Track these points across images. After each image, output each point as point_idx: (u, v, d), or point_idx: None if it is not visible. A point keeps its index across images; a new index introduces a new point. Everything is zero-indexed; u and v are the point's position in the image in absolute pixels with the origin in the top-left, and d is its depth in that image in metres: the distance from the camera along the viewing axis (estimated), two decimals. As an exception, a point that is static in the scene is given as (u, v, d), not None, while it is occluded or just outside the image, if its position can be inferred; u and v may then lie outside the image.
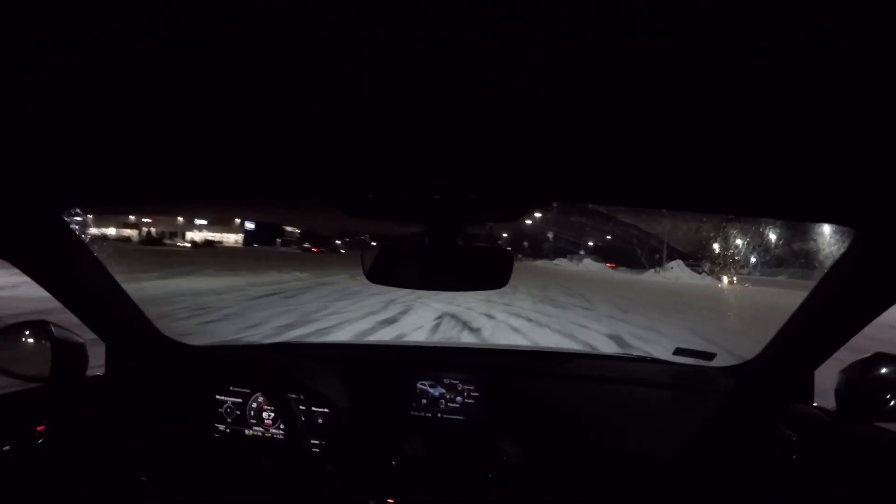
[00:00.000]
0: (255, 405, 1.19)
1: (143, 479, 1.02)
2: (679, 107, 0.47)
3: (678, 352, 1.43)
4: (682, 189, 0.79)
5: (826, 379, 1.07)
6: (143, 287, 9.14)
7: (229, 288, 11.51)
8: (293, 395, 1.16)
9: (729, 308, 14.06)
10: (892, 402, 0.94)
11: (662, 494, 1.12)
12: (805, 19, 0.31)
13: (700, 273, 32.50)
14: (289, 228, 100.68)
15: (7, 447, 0.93)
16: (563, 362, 1.37)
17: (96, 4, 0.33)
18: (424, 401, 1.24)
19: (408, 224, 0.91)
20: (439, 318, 7.89)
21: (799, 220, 0.91)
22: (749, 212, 0.90)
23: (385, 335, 6.49)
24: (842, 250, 0.88)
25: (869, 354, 0.95)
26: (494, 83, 0.44)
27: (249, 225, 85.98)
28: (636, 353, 1.59)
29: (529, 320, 8.31)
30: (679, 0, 0.30)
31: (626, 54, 0.38)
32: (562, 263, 53.39)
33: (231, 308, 8.22)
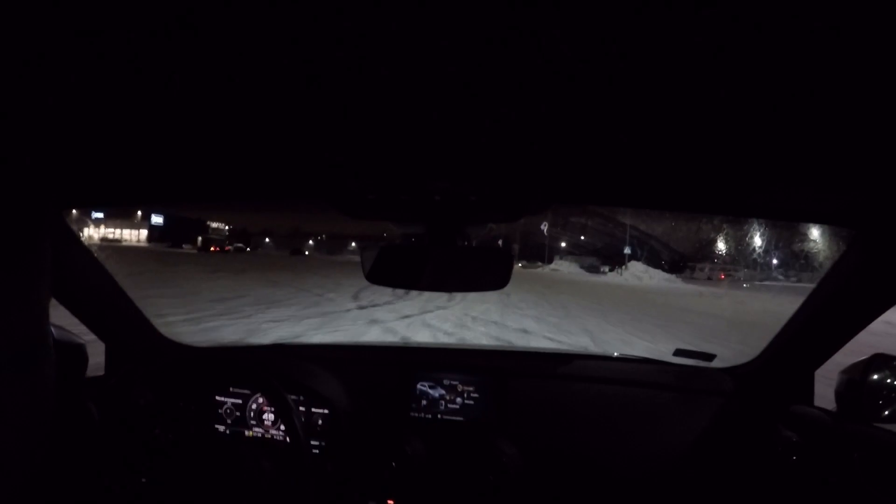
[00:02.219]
0: (255, 406, 1.19)
1: (143, 479, 1.02)
2: (680, 107, 0.48)
3: (678, 352, 1.43)
4: (682, 189, 0.79)
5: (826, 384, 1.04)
6: None
7: None
8: (293, 397, 1.16)
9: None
10: (892, 403, 0.94)
11: (663, 495, 1.12)
12: (806, 19, 0.31)
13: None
14: (215, 225, 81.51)
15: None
16: (563, 363, 1.37)
17: (96, 5, 0.33)
18: (424, 402, 1.24)
19: (408, 225, 0.91)
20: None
21: (799, 220, 0.91)
22: (749, 212, 0.90)
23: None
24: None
25: (869, 355, 0.95)
26: (494, 84, 0.44)
27: (157, 219, 64.21)
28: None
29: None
30: (678, 0, 0.31)
31: (625, 55, 0.38)
32: (562, 268, 38.05)
33: None
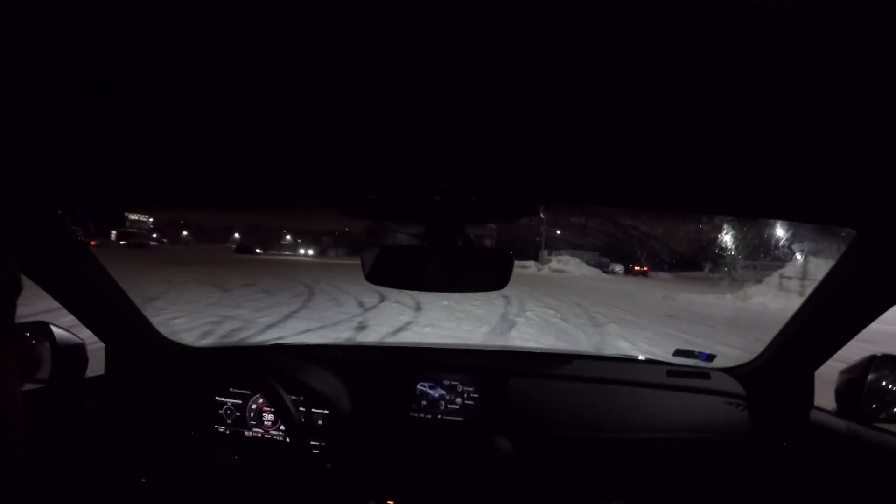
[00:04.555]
0: (254, 406, 1.19)
1: (143, 479, 1.02)
2: (680, 107, 0.48)
3: (678, 353, 1.43)
4: (683, 189, 0.79)
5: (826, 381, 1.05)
6: None
7: None
8: (293, 397, 1.16)
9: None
10: (892, 404, 0.94)
11: (663, 496, 1.12)
12: (806, 19, 0.31)
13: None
14: (134, 216, 64.95)
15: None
16: (563, 363, 1.37)
17: (96, 5, 0.33)
18: (424, 402, 1.24)
19: (407, 225, 0.91)
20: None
21: (799, 220, 0.91)
22: (749, 212, 0.90)
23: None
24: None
25: (868, 355, 0.95)
26: (494, 84, 0.44)
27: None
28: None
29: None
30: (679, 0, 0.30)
31: (625, 55, 0.38)
32: (571, 268, 29.38)
33: None
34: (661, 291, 16.61)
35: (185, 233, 67.24)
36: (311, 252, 51.18)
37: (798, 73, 0.39)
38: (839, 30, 0.32)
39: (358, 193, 0.78)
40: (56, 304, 1.07)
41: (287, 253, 51.58)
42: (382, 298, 9.69)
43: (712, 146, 0.58)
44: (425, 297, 9.46)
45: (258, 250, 46.94)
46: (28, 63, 0.41)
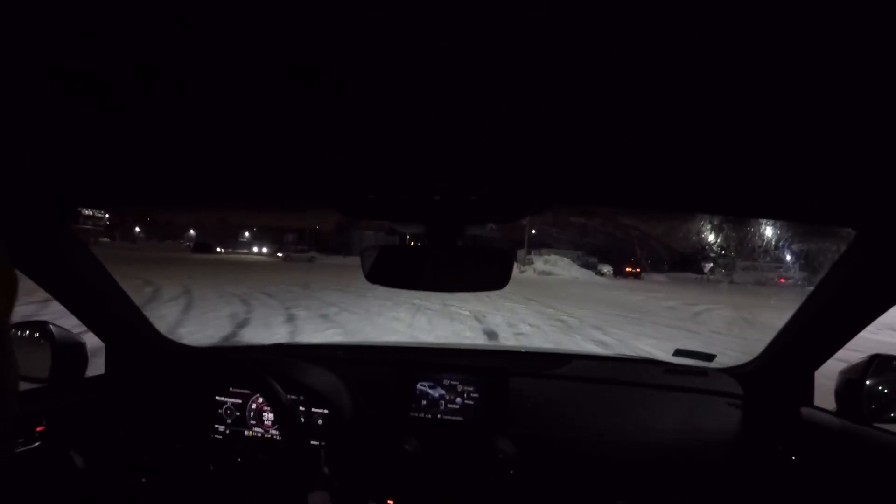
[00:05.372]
0: (254, 406, 1.19)
1: (143, 479, 1.02)
2: (680, 107, 0.48)
3: (678, 353, 1.43)
4: (683, 189, 0.79)
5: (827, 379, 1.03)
6: None
7: None
8: (293, 396, 1.16)
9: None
10: (892, 404, 0.94)
11: (662, 495, 1.12)
12: (806, 19, 0.31)
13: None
14: (88, 211, 50.45)
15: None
16: (563, 363, 1.37)
17: (96, 5, 0.33)
18: (424, 402, 1.24)
19: (408, 225, 0.91)
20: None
21: (799, 220, 0.91)
22: (749, 212, 0.90)
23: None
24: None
25: (868, 355, 0.95)
26: (494, 84, 0.44)
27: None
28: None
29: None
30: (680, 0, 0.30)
31: (625, 55, 0.38)
32: (560, 270, 25.04)
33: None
34: (726, 309, 10.86)
35: (137, 229, 63.01)
36: (265, 250, 48.07)
37: (798, 73, 0.39)
38: (839, 30, 0.32)
39: (358, 193, 0.78)
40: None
41: (243, 251, 48.30)
42: (236, 330, 6.02)
43: (712, 146, 0.58)
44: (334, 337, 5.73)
45: (219, 249, 41.75)
46: (28, 63, 0.41)
